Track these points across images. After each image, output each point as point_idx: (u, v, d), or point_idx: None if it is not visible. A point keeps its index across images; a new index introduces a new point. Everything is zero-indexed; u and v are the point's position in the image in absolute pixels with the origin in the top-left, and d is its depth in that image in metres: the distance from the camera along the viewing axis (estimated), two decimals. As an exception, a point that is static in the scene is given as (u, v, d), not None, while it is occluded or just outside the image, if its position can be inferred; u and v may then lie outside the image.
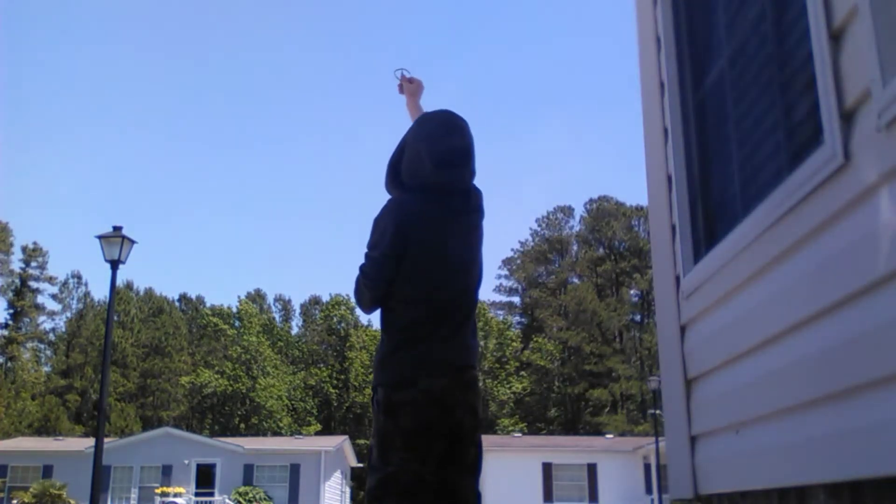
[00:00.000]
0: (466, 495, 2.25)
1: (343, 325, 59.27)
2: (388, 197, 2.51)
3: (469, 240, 2.47)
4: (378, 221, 2.40)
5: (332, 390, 57.64)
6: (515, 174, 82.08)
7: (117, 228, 12.88)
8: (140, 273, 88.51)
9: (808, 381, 2.24)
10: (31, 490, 29.48)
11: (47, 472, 31.48)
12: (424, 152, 2.41)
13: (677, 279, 3.40)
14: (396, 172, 2.50)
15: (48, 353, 59.17)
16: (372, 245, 2.40)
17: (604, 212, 63.65)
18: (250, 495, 30.88)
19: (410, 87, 2.97)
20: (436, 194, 2.40)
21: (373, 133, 72.93)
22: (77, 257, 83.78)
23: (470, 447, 2.29)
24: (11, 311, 55.83)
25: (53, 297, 59.07)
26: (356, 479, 40.15)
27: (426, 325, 2.32)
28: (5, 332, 55.15)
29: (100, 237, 12.86)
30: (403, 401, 2.23)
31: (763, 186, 2.64)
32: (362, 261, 2.43)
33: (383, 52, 78.86)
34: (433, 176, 2.40)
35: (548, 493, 30.81)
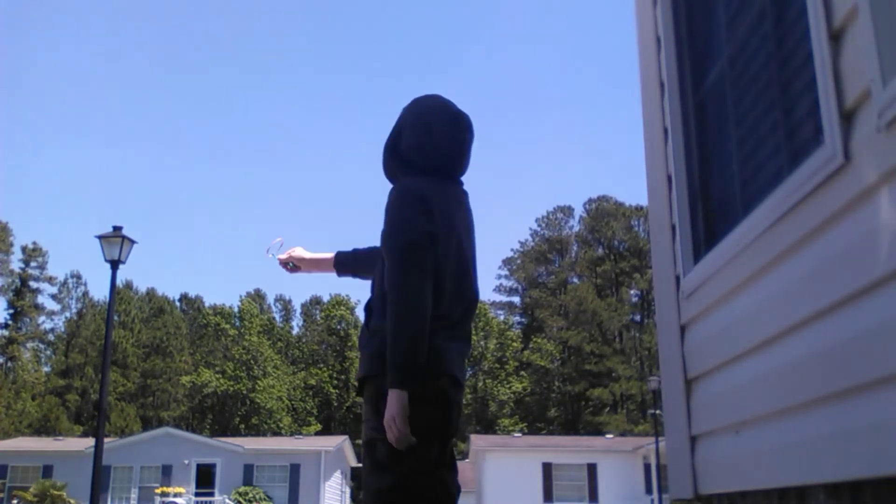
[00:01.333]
0: (455, 494, 2.24)
1: (343, 325, 59.27)
2: (386, 189, 2.39)
3: (471, 232, 2.41)
4: (395, 203, 2.21)
5: (332, 390, 57.68)
6: (515, 174, 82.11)
7: (117, 228, 12.86)
8: (140, 273, 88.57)
9: (808, 381, 2.24)
10: (31, 490, 29.46)
11: (47, 472, 31.47)
12: (434, 121, 2.36)
13: (677, 279, 3.40)
14: (397, 153, 2.41)
15: (48, 353, 59.19)
16: (406, 230, 2.13)
17: (603, 212, 63.67)
18: (250, 495, 30.88)
19: (297, 258, 2.70)
20: (440, 177, 2.34)
21: (372, 134, 72.93)
22: (77, 257, 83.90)
23: (451, 444, 2.28)
24: (11, 311, 55.87)
25: (53, 297, 59.14)
26: (356, 479, 40.14)
27: (441, 319, 2.18)
28: (5, 332, 55.17)
29: (100, 237, 12.85)
30: (414, 396, 2.09)
31: (763, 186, 2.64)
32: (393, 268, 2.10)
33: (384, 53, 78.92)
34: (450, 132, 2.35)
35: (548, 493, 30.80)
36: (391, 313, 2.07)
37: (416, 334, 2.03)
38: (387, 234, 2.17)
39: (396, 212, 2.18)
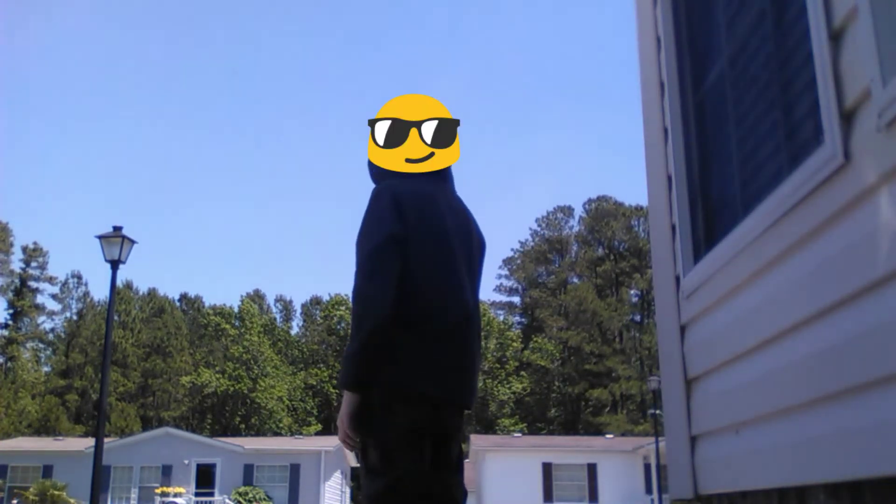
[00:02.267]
0: (459, 496, 2.23)
1: (343, 325, 59.22)
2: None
3: (468, 235, 2.37)
4: (368, 207, 2.21)
5: (332, 390, 57.64)
6: (515, 174, 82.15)
7: (117, 228, 12.86)
8: (140, 273, 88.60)
9: (808, 381, 2.24)
10: (31, 490, 29.47)
11: (47, 472, 31.46)
12: None
13: (677, 279, 3.40)
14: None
15: (48, 353, 59.16)
16: (369, 235, 2.14)
17: (603, 212, 63.66)
18: (250, 495, 30.87)
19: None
20: (428, 175, 2.32)
21: (373, 133, 72.59)
22: (77, 257, 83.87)
23: (456, 446, 2.27)
24: (11, 311, 55.84)
25: (53, 297, 59.12)
26: (356, 479, 40.16)
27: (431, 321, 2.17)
28: (5, 332, 55.16)
29: (100, 237, 12.84)
30: (406, 399, 2.11)
31: (763, 186, 2.64)
32: (356, 274, 2.12)
33: (386, 49, 79.00)
34: None
35: (548, 493, 30.81)
36: (352, 315, 2.11)
37: (365, 342, 2.06)
38: (357, 238, 2.19)
39: (366, 217, 2.20)
